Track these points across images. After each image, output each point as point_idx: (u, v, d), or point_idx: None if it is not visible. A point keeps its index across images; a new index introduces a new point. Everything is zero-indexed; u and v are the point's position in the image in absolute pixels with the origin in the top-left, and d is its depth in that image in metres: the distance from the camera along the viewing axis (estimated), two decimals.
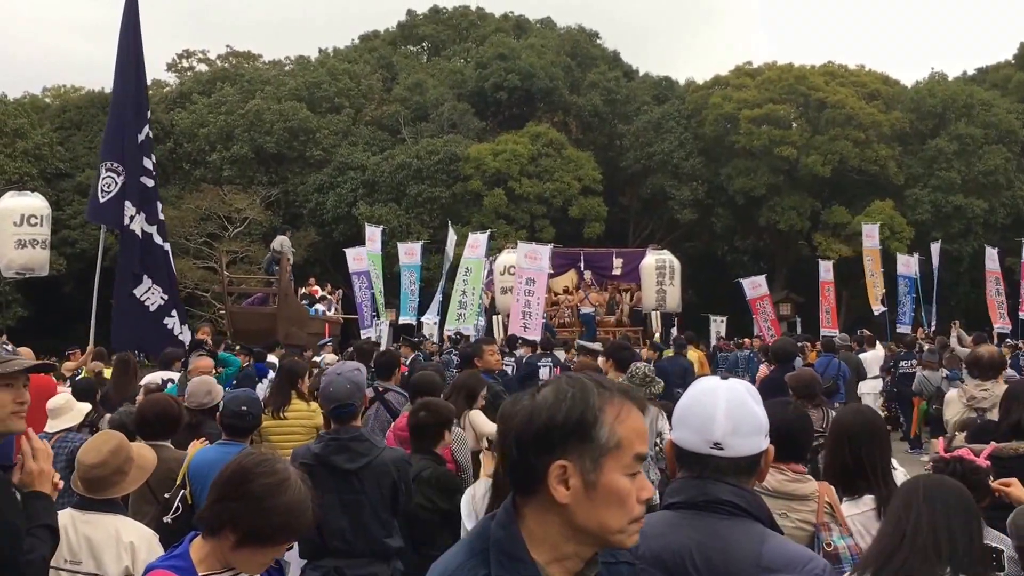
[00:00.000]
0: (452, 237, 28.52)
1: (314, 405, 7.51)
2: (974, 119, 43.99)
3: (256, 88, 47.79)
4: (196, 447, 5.41)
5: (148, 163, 12.05)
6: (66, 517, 3.98)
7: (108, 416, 7.49)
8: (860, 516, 3.98)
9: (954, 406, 7.32)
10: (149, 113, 12.48)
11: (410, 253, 26.94)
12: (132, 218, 11.67)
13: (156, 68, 53.87)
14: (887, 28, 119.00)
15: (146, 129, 12.11)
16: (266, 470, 2.61)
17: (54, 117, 48.04)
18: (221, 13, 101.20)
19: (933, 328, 28.02)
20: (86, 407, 6.83)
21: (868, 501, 4.01)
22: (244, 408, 5.19)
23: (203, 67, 56.15)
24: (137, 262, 11.75)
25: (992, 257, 29.29)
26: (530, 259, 21.45)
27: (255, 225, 42.00)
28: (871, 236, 30.00)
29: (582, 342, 11.22)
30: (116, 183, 11.73)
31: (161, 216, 12.28)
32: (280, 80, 49.57)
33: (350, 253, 26.64)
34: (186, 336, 12.09)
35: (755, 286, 30.73)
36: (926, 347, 18.73)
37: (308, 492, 2.61)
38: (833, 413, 8.68)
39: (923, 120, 45.35)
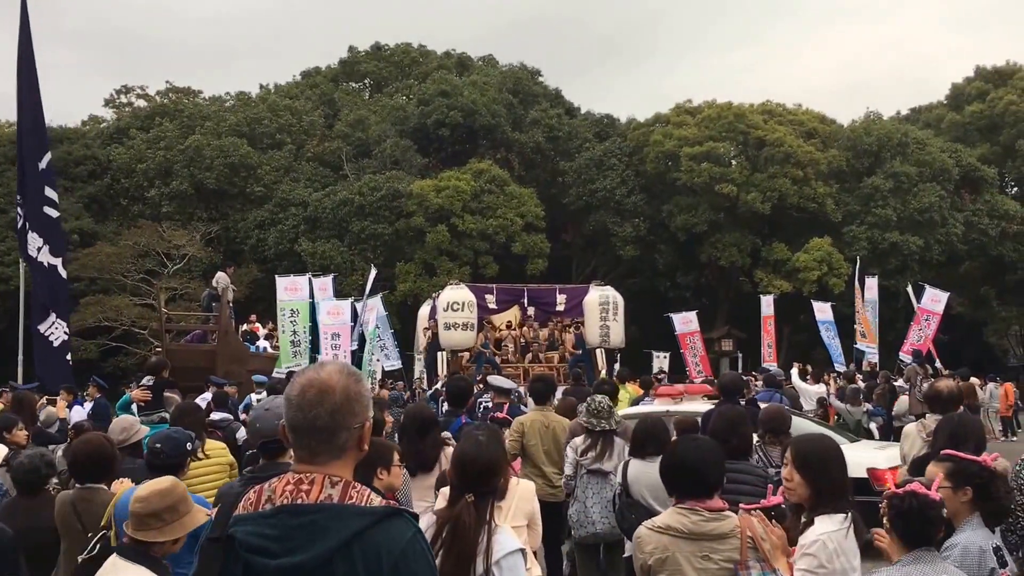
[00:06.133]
0: (373, 274, 29.73)
1: (222, 444, 7.40)
2: (908, 157, 44.81)
3: (196, 124, 47.31)
4: (121, 487, 5.18)
5: (51, 192, 11.75)
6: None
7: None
8: (836, 533, 3.99)
9: (912, 440, 7.33)
10: (48, 142, 12.22)
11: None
12: (39, 249, 11.41)
13: (94, 104, 53.54)
14: (823, 67, 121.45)
15: (47, 157, 11.81)
16: None
17: None
18: (160, 49, 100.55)
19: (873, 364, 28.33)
20: (3, 449, 6.56)
21: (840, 519, 4.04)
22: (158, 446, 5.01)
23: (142, 103, 55.58)
24: (45, 295, 11.51)
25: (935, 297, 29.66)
26: (333, 315, 24.51)
27: (195, 262, 41.38)
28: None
29: (496, 379, 11.03)
30: (20, 215, 11.56)
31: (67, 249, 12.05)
32: (220, 116, 49.10)
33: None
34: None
35: (686, 321, 30.81)
36: (850, 385, 18.90)
37: None
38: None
39: (859, 158, 46.14)
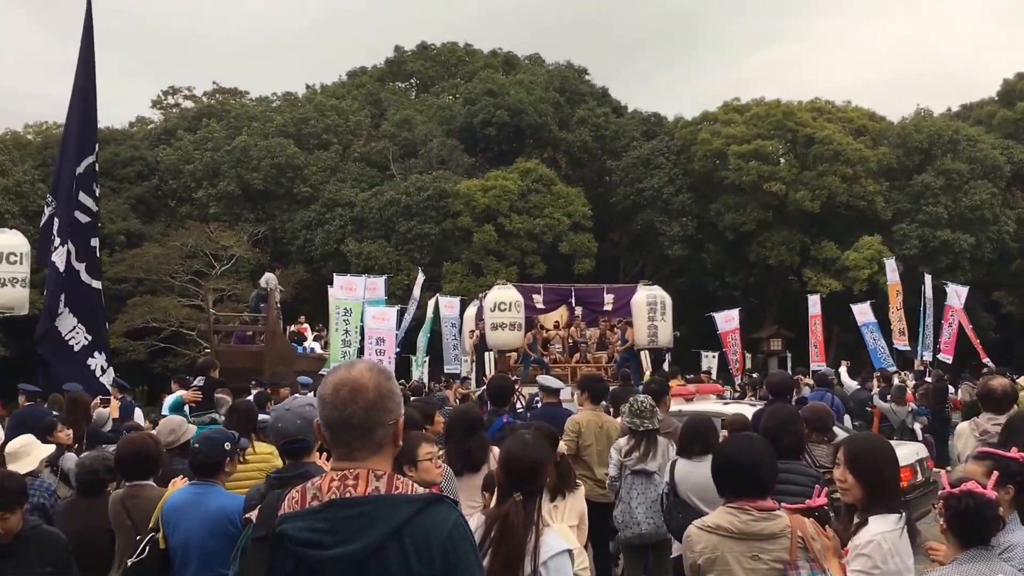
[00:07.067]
0: (420, 279, 30.88)
1: (272, 448, 7.31)
2: (959, 155, 44.16)
3: (243, 124, 47.75)
4: (172, 487, 5.20)
5: (85, 198, 11.62)
6: None
7: (67, 455, 7.29)
8: (890, 533, 3.98)
9: (965, 439, 7.24)
10: (96, 146, 12.09)
11: (372, 288, 27.47)
12: (55, 250, 11.42)
13: (141, 105, 54.15)
14: (873, 64, 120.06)
15: (87, 162, 11.69)
16: None
17: (36, 154, 47.64)
18: (208, 50, 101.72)
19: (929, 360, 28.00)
20: (47, 449, 6.61)
21: (895, 519, 4.03)
22: (197, 446, 5.00)
23: (189, 103, 56.19)
24: (58, 297, 11.50)
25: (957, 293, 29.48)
26: (378, 320, 24.50)
27: (242, 262, 41.71)
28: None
29: (545, 379, 10.99)
30: (46, 215, 11.60)
31: (96, 254, 11.98)
32: (267, 116, 49.55)
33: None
34: (109, 378, 11.83)
35: (728, 319, 30.59)
36: (896, 382, 18.72)
37: None
38: None
39: (909, 156, 45.53)
